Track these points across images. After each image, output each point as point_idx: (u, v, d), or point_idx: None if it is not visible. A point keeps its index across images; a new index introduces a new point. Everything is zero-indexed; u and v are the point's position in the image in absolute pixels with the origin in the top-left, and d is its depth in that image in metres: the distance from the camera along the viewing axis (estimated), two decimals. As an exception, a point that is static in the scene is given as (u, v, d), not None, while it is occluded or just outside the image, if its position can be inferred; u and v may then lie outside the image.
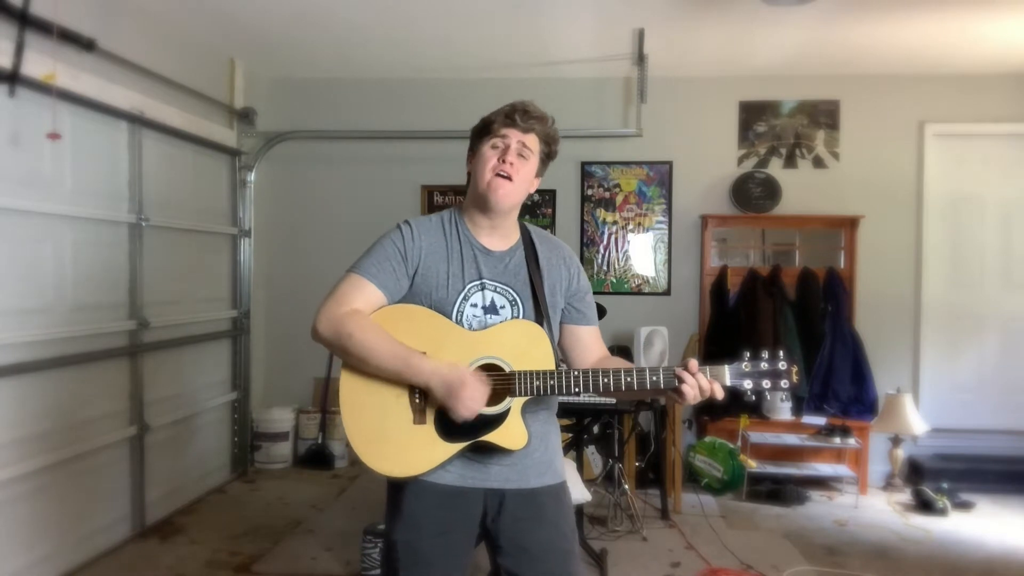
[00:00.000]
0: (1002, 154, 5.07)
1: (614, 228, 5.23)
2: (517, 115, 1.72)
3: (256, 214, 5.07)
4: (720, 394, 1.63)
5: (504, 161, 1.70)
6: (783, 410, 4.78)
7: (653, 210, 5.21)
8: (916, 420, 4.54)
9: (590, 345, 1.87)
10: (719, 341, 4.92)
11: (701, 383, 1.61)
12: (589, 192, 5.23)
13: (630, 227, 5.23)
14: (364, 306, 1.67)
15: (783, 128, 5.14)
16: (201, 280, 4.50)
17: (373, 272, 1.69)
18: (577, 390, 1.64)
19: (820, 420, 4.73)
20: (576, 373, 1.65)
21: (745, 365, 1.66)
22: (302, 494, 4.55)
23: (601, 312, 4.48)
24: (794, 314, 4.89)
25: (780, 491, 4.49)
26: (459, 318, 1.71)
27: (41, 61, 3.03)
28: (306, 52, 4.80)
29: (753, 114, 5.16)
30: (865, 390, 4.90)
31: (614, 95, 5.19)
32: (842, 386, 4.88)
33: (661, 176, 5.21)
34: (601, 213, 5.23)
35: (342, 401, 1.69)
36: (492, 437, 1.65)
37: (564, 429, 4.64)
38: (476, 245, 1.76)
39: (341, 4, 3.93)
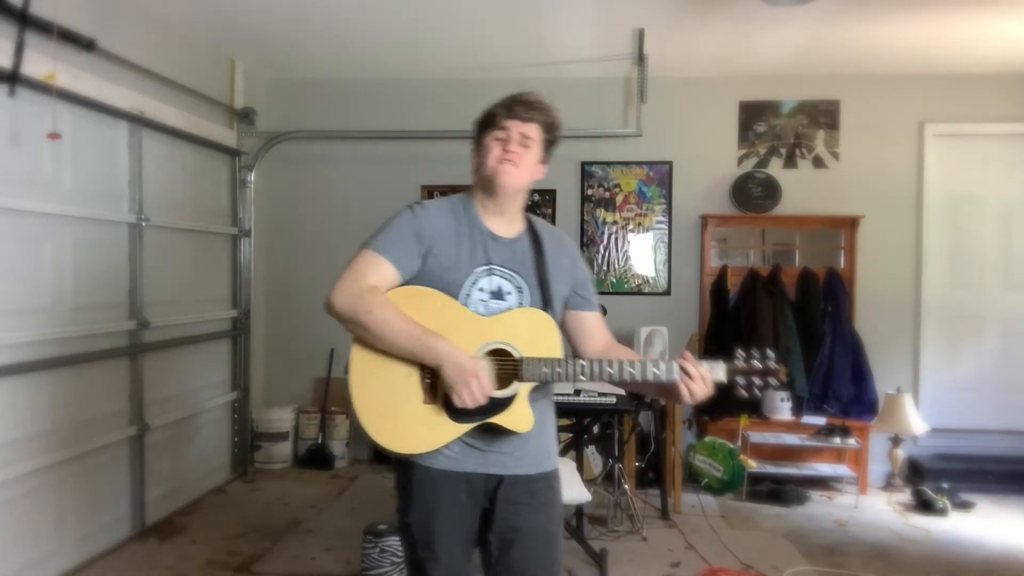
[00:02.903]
0: (1002, 154, 5.07)
1: (614, 228, 5.23)
2: (518, 106, 1.77)
3: (256, 214, 5.07)
4: (707, 393, 1.70)
5: (507, 151, 1.76)
6: (783, 410, 4.78)
7: (653, 210, 5.21)
8: (916, 420, 4.54)
9: (595, 330, 1.93)
10: (719, 341, 4.92)
11: (703, 373, 1.68)
12: (589, 192, 5.23)
13: (630, 227, 5.23)
14: (379, 283, 1.71)
15: (783, 128, 5.15)
16: (201, 280, 4.50)
17: (388, 250, 1.73)
18: (583, 378, 1.69)
19: (820, 420, 4.73)
20: (583, 363, 1.70)
21: (739, 363, 1.73)
22: (302, 494, 4.55)
23: (602, 312, 4.51)
24: (794, 314, 4.89)
25: (780, 491, 4.49)
26: (466, 301, 1.75)
27: (41, 61, 3.03)
28: (306, 52, 4.80)
29: (753, 114, 5.16)
30: (865, 390, 4.89)
31: (614, 95, 5.18)
32: (842, 386, 4.88)
33: (661, 176, 5.21)
34: (601, 213, 5.23)
35: (352, 375, 1.71)
36: (500, 419, 1.70)
37: (564, 429, 4.64)
38: (485, 230, 1.81)
39: (341, 5, 3.93)
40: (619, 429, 4.31)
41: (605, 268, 5.24)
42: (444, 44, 4.59)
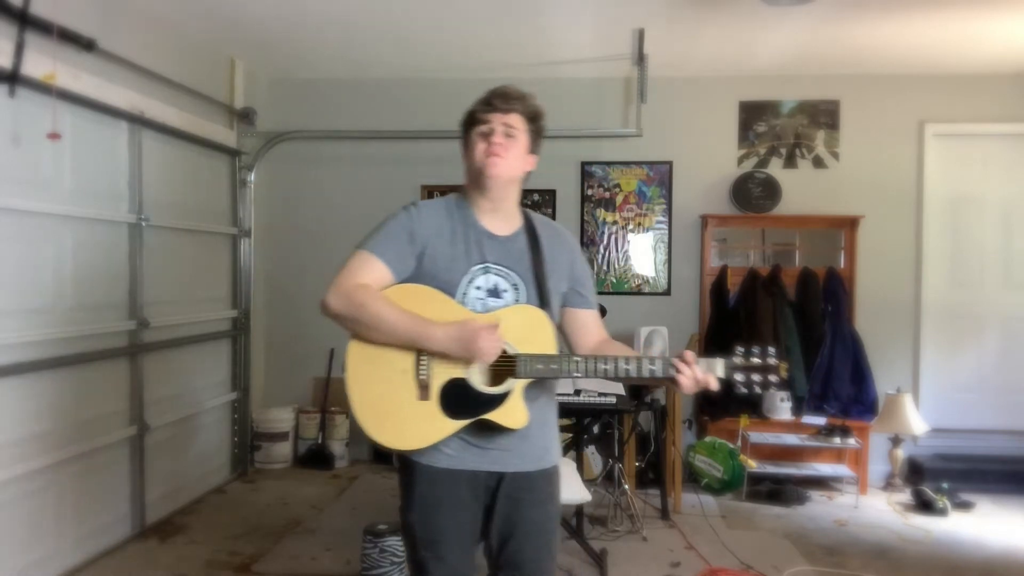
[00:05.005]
0: (1002, 154, 5.07)
1: (614, 228, 5.23)
2: (495, 100, 1.79)
3: (256, 214, 5.07)
4: (715, 385, 1.71)
5: (491, 143, 1.76)
6: (783, 410, 4.78)
7: (653, 210, 5.21)
8: (916, 420, 4.54)
9: (591, 328, 1.93)
10: (719, 341, 4.92)
11: (697, 374, 1.68)
12: (589, 192, 5.23)
13: (630, 227, 5.23)
14: (373, 282, 1.73)
15: (783, 128, 5.15)
16: (201, 280, 4.50)
17: (381, 249, 1.75)
18: (577, 374, 1.70)
19: (820, 420, 4.73)
20: (577, 358, 1.70)
21: (737, 359, 1.73)
22: (302, 494, 4.55)
23: (601, 312, 4.50)
24: (794, 314, 4.89)
25: (780, 491, 4.49)
26: (463, 300, 1.76)
27: (41, 61, 3.03)
28: (306, 52, 4.80)
29: (753, 114, 5.16)
30: (865, 390, 4.89)
31: (614, 95, 5.18)
32: (842, 386, 4.87)
33: (661, 176, 5.21)
34: (601, 213, 5.23)
35: (348, 373, 1.73)
36: (494, 416, 1.71)
37: (564, 429, 4.64)
38: (481, 228, 1.81)
39: (341, 4, 3.93)
40: (619, 429, 4.31)
41: (605, 268, 5.24)
42: (444, 44, 4.59)
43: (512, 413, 1.71)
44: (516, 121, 1.79)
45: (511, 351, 1.70)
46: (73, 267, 3.37)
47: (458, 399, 1.69)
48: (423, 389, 1.71)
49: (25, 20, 2.95)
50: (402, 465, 1.84)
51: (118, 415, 3.70)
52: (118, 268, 3.70)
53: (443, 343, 1.66)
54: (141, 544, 3.73)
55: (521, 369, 1.69)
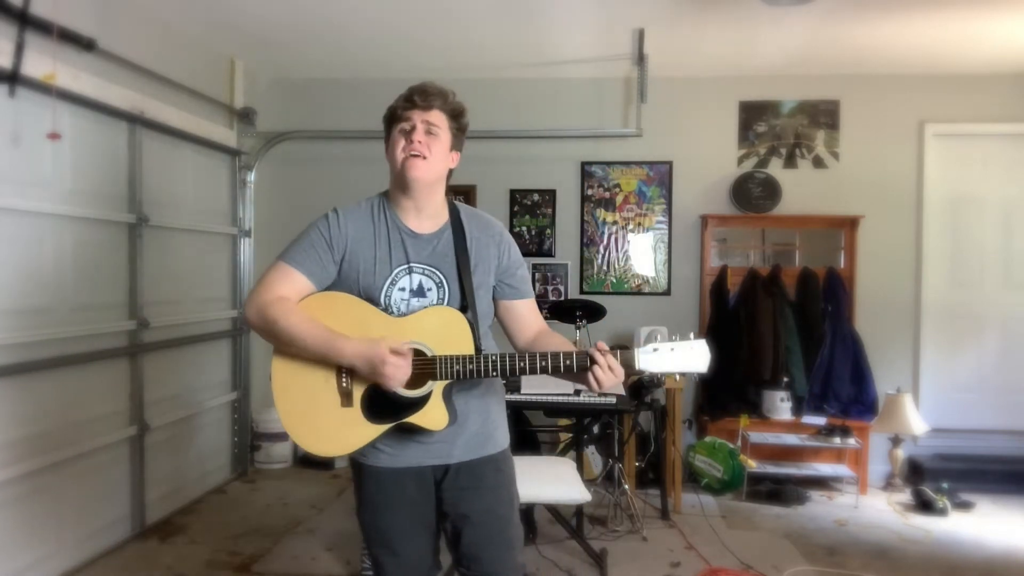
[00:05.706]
0: (1002, 154, 5.07)
1: (614, 228, 5.23)
2: (416, 96, 1.79)
3: (256, 214, 5.07)
4: (620, 375, 1.67)
5: (411, 142, 1.76)
6: (783, 410, 4.78)
7: (653, 210, 5.21)
8: (916, 420, 4.54)
9: (527, 317, 1.92)
10: (719, 341, 4.92)
11: (611, 362, 1.65)
12: (589, 192, 5.23)
13: (630, 227, 5.23)
14: (291, 294, 1.74)
15: (783, 128, 5.14)
16: (201, 280, 4.50)
17: (299, 260, 1.76)
18: (495, 373, 1.71)
19: (820, 420, 4.73)
20: (493, 357, 1.70)
21: (654, 348, 1.69)
22: (302, 494, 4.55)
23: (601, 312, 4.52)
24: (794, 314, 4.89)
25: (780, 491, 4.49)
26: (387, 302, 1.77)
27: (41, 61, 3.03)
28: (306, 52, 4.80)
29: (753, 114, 5.16)
30: (865, 390, 4.89)
31: (614, 95, 5.18)
32: (842, 386, 4.87)
33: (661, 176, 5.21)
34: (601, 213, 5.23)
35: (274, 385, 1.77)
36: (414, 419, 1.72)
37: (564, 429, 4.65)
38: (403, 229, 1.82)
39: (341, 4, 3.93)
40: (619, 429, 4.30)
41: (605, 268, 5.24)
42: (444, 44, 4.58)
43: (431, 415, 1.72)
44: (437, 118, 1.79)
45: (429, 353, 1.71)
46: (73, 267, 3.37)
47: (380, 404, 1.71)
48: (346, 397, 1.73)
49: (25, 20, 2.95)
50: (352, 467, 1.88)
51: (118, 415, 3.70)
52: (118, 268, 3.70)
53: (352, 360, 1.66)
54: (141, 544, 3.73)
55: (439, 371, 1.70)
